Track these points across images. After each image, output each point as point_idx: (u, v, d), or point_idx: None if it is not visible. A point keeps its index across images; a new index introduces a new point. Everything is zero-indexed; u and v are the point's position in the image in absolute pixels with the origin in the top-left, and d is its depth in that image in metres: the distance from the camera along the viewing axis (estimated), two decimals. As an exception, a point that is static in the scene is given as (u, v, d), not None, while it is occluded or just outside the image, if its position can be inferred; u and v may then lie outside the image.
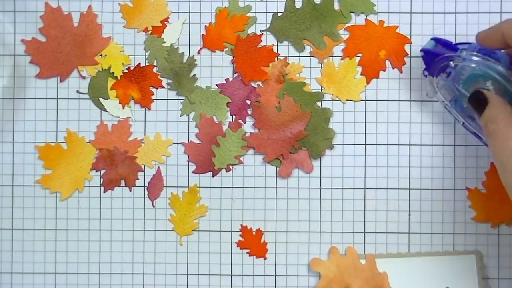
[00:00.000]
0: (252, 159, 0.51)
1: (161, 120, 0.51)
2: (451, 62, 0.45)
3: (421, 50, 0.47)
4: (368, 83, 0.51)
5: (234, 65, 0.51)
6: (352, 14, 0.50)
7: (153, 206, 0.51)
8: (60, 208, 0.51)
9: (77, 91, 0.51)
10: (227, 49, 0.51)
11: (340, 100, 0.51)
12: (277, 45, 0.51)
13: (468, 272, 0.48)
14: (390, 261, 0.49)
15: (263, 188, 0.51)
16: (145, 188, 0.51)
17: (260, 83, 0.51)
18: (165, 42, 0.51)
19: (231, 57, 0.51)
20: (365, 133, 0.50)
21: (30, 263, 0.51)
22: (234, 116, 0.51)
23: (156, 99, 0.51)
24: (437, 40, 0.47)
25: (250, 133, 0.51)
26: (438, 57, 0.46)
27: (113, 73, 0.51)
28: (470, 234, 0.50)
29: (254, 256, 0.51)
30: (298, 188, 0.51)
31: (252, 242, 0.51)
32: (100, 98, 0.51)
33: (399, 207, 0.50)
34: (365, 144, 0.50)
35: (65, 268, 0.51)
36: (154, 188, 0.51)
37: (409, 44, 0.50)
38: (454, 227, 0.50)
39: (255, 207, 0.51)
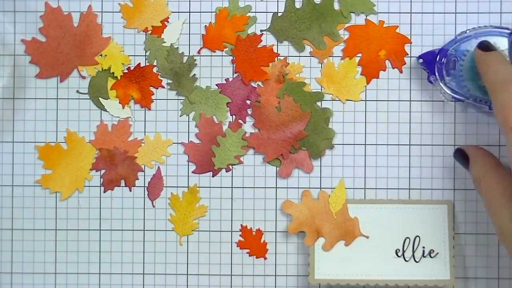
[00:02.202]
0: (252, 159, 0.51)
1: (161, 120, 0.51)
2: (451, 48, 0.47)
3: (419, 58, 0.48)
4: (368, 83, 0.51)
5: (234, 65, 0.51)
6: (352, 14, 0.50)
7: (153, 206, 0.51)
8: (60, 208, 0.51)
9: (77, 91, 0.51)
10: (227, 49, 0.51)
11: (340, 100, 0.51)
12: (277, 45, 0.51)
13: (439, 221, 0.49)
14: (362, 206, 0.49)
15: (263, 188, 0.51)
16: (145, 188, 0.51)
17: (260, 83, 0.51)
18: (165, 42, 0.51)
19: (231, 57, 0.51)
20: (365, 133, 0.51)
21: (30, 263, 0.51)
22: (234, 116, 0.51)
23: (156, 99, 0.51)
24: (422, 56, 0.49)
25: (250, 133, 0.51)
26: (436, 53, 0.47)
27: (113, 73, 0.51)
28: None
29: (254, 256, 0.51)
30: (298, 188, 0.51)
31: (252, 242, 0.51)
32: (100, 98, 0.51)
33: (399, 207, 0.50)
34: (365, 144, 0.50)
35: (65, 268, 0.51)
36: (154, 188, 0.51)
37: (409, 44, 0.50)
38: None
39: (255, 207, 0.51)
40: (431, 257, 0.49)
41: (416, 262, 0.49)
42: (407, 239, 0.49)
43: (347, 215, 0.49)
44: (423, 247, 0.49)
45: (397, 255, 0.49)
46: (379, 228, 0.49)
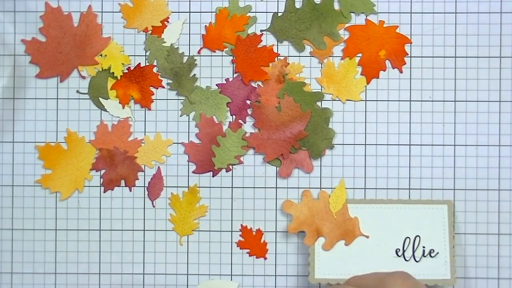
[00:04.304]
0: (252, 159, 0.51)
1: (161, 120, 0.51)
2: None
3: None
4: (368, 83, 0.51)
5: (234, 65, 0.51)
6: (352, 14, 0.50)
7: (153, 206, 0.51)
8: (60, 208, 0.51)
9: (77, 91, 0.51)
10: (227, 49, 0.51)
11: (340, 100, 0.51)
12: (277, 45, 0.51)
13: (439, 221, 0.49)
14: (362, 206, 0.49)
15: (263, 188, 0.51)
16: (145, 188, 0.51)
17: (260, 83, 0.51)
18: (165, 42, 0.51)
19: (231, 57, 0.51)
20: (365, 133, 0.51)
21: (30, 263, 0.51)
22: (234, 116, 0.51)
23: (156, 99, 0.51)
24: None
25: (250, 133, 0.51)
26: None
27: (113, 73, 0.51)
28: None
29: (254, 256, 0.51)
30: (298, 188, 0.51)
31: (252, 242, 0.51)
32: (100, 98, 0.51)
33: (399, 207, 0.50)
34: (365, 144, 0.50)
35: (65, 268, 0.51)
36: (154, 188, 0.51)
37: (409, 44, 0.50)
38: (454, 227, 0.50)
39: (255, 207, 0.51)
40: (431, 256, 0.49)
41: (416, 261, 0.49)
42: (407, 239, 0.49)
43: (347, 215, 0.49)
44: (423, 247, 0.49)
45: (397, 254, 0.49)
46: (379, 228, 0.49)
